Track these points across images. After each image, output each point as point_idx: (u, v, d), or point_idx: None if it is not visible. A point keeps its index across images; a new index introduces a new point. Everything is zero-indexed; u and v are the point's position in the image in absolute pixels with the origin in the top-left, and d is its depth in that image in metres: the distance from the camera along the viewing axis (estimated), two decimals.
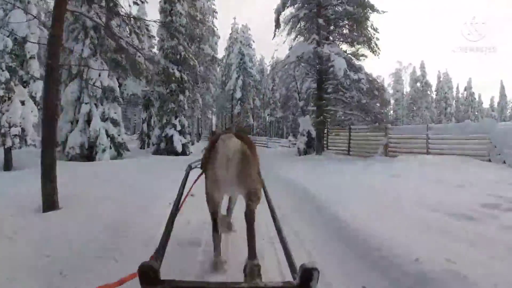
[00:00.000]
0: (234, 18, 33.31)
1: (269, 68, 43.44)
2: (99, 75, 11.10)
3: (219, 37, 28.47)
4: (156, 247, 1.30)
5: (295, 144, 21.14)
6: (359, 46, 13.44)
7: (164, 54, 14.43)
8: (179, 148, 13.98)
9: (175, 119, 14.38)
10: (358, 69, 12.45)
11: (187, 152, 14.81)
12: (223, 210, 2.73)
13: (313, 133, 15.16)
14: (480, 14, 53.15)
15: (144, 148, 16.73)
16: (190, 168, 2.89)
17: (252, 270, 1.68)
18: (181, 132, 14.46)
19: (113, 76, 11.79)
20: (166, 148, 14.10)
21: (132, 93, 14.49)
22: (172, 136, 14.07)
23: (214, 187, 1.98)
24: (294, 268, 1.21)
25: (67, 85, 11.18)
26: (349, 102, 13.24)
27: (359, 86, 11.70)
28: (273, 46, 30.79)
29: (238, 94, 29.26)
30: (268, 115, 45.74)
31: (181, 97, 14.54)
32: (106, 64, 11.61)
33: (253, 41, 34.80)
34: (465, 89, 50.82)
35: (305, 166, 9.52)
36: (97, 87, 10.78)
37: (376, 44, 12.93)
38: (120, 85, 14.28)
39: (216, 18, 26.62)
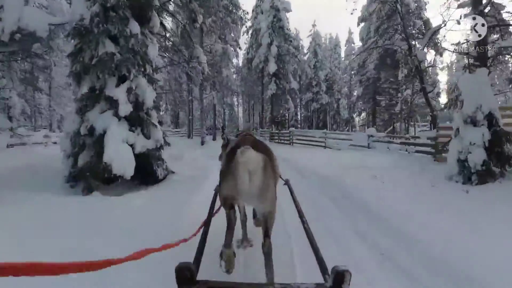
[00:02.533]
0: None
1: (308, 41, 33.49)
2: None
3: None
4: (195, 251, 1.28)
5: (387, 142, 11.21)
6: None
7: None
8: (122, 169, 4.81)
9: (119, 84, 5.24)
10: None
11: (159, 175, 5.65)
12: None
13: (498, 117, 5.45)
14: None
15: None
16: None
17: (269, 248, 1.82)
18: (135, 121, 5.32)
19: None
20: (93, 170, 4.98)
21: (18, 30, 5.53)
22: (104, 134, 4.94)
23: (230, 196, 1.90)
24: (325, 271, 1.16)
25: None
26: None
27: None
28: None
29: (271, 67, 19.68)
30: (303, 104, 35.74)
31: (133, 26, 5.37)
32: None
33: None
34: None
35: None
36: None
37: None
38: None
39: None
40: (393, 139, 11.06)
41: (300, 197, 2.18)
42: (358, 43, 36.91)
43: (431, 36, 8.79)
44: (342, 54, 41.74)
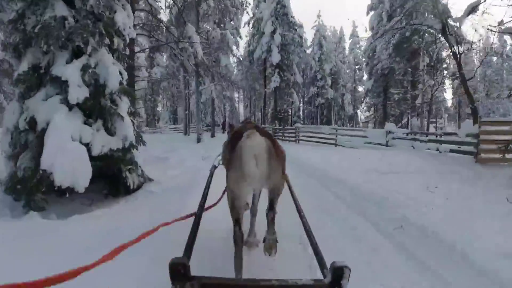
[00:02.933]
0: None
1: (311, 34, 31.86)
2: None
3: None
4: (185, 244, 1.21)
5: (414, 140, 9.46)
6: None
7: None
8: (69, 178, 3.36)
9: (71, 60, 3.81)
10: None
11: (131, 183, 4.22)
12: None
13: None
14: None
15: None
16: (214, 167, 2.54)
17: (270, 243, 1.95)
18: (94, 111, 3.87)
19: None
20: (30, 179, 3.55)
21: None
22: (47, 127, 3.51)
23: (239, 186, 1.78)
24: (324, 268, 1.10)
25: None
26: None
27: None
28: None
29: (275, 58, 18.13)
30: (306, 99, 34.23)
31: None
32: None
33: None
34: None
35: None
36: None
37: None
38: None
39: None
40: (416, 135, 9.57)
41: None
42: (362, 34, 35.34)
43: (469, 12, 7.30)
44: (347, 48, 40.36)
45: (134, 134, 4.23)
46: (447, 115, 33.00)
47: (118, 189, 4.32)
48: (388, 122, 19.59)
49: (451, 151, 7.51)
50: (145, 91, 28.72)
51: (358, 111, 41.08)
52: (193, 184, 4.42)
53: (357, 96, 38.08)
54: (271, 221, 1.98)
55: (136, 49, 8.41)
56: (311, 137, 14.26)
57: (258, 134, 1.65)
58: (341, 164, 5.94)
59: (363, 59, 25.28)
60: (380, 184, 3.89)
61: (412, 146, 9.01)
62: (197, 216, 1.51)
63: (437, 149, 7.90)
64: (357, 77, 39.96)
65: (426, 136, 9.10)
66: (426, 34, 9.66)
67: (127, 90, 4.15)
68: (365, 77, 33.58)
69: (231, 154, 1.85)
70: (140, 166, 4.36)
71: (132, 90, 4.44)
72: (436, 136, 9.42)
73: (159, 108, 38.30)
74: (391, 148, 9.90)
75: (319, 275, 1.09)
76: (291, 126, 18.22)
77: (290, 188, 2.10)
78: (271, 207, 1.95)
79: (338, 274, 0.94)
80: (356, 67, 39.41)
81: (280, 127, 18.26)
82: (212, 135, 17.32)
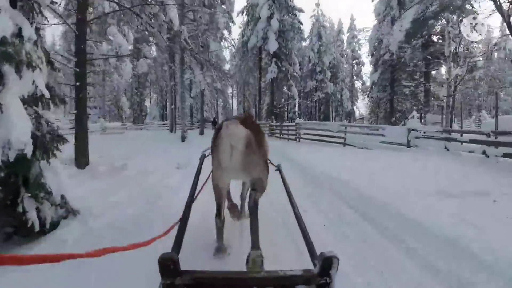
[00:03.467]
0: None
1: (309, 24, 29.98)
2: None
3: None
4: (174, 240, 1.18)
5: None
6: None
7: None
8: None
9: None
10: None
11: (35, 222, 2.36)
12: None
13: None
14: None
15: None
16: (204, 156, 2.59)
17: (255, 260, 1.66)
18: None
19: None
20: None
21: None
22: None
23: (218, 173, 1.90)
24: (315, 257, 1.10)
25: None
26: None
27: None
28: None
29: (272, 46, 16.18)
30: (302, 94, 32.42)
31: None
32: None
33: None
34: None
35: None
36: None
37: None
38: None
39: None
40: (451, 134, 7.86)
41: None
42: (364, 24, 33.58)
43: None
44: (345, 41, 38.75)
45: (40, 134, 2.37)
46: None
47: (19, 230, 2.49)
48: (394, 118, 17.96)
49: (505, 155, 5.81)
50: (131, 85, 26.66)
51: (355, 107, 39.66)
52: (139, 225, 2.58)
53: (354, 92, 36.53)
54: (253, 217, 1.74)
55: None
56: (313, 134, 12.47)
57: (239, 124, 1.62)
58: (374, 175, 4.15)
59: (366, 51, 23.54)
60: (476, 229, 2.12)
61: (446, 148, 7.30)
62: (186, 208, 1.44)
63: (484, 152, 6.20)
64: (354, 71, 38.37)
65: (461, 135, 7.45)
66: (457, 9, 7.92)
67: (17, 52, 2.23)
68: (367, 69, 31.89)
69: (214, 143, 1.87)
70: (51, 193, 2.48)
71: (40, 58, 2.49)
72: (461, 134, 7.79)
73: (147, 103, 36.21)
74: (416, 149, 8.22)
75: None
76: (288, 122, 16.38)
77: (283, 180, 2.09)
78: (252, 201, 1.80)
79: (327, 264, 0.92)
80: (354, 61, 37.81)
81: (278, 123, 16.44)
82: (201, 133, 15.43)
